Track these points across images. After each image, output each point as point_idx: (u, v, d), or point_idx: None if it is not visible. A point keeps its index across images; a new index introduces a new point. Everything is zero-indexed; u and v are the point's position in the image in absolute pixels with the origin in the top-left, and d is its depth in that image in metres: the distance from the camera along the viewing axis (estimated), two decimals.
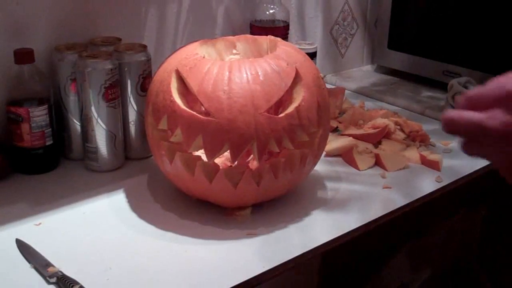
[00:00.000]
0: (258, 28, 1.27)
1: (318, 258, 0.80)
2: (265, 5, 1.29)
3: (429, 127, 1.19)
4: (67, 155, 1.04)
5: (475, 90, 0.52)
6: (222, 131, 0.78)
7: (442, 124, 0.52)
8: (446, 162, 1.05)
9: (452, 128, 0.52)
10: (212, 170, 0.82)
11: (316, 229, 0.84)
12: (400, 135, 1.12)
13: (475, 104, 0.51)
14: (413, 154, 1.06)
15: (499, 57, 1.30)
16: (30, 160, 0.97)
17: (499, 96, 0.50)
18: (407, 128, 1.14)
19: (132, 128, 1.02)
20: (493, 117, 0.50)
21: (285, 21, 1.30)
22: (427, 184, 0.98)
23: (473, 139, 0.52)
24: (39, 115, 0.95)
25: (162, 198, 0.92)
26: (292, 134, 0.81)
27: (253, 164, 0.84)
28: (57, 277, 0.71)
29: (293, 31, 1.41)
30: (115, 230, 0.83)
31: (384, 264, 0.95)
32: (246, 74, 0.80)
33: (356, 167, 1.02)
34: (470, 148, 0.53)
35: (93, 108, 0.96)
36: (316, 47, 1.31)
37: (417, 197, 0.94)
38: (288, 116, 0.81)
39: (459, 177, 1.01)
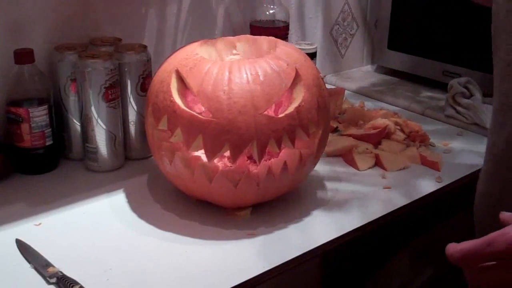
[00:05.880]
0: (258, 28, 1.27)
1: (318, 258, 0.80)
2: (265, 5, 1.29)
3: (429, 127, 1.19)
4: (67, 155, 1.03)
5: (468, 245, 0.53)
6: (222, 131, 0.78)
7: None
8: (446, 162, 1.05)
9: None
10: (212, 171, 0.82)
11: (316, 229, 0.84)
12: (400, 135, 1.12)
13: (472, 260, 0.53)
14: (413, 154, 1.06)
15: None
16: (30, 160, 0.97)
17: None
18: (407, 128, 1.14)
19: (132, 128, 1.02)
20: None
21: (285, 21, 1.30)
22: (427, 184, 0.98)
23: None
24: (39, 115, 0.95)
25: (162, 198, 0.92)
26: (292, 134, 0.81)
27: (253, 164, 0.84)
28: (57, 277, 0.71)
29: (293, 31, 1.41)
30: (115, 230, 0.83)
31: (384, 264, 0.95)
32: (246, 74, 0.80)
33: (356, 167, 1.02)
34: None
35: (93, 108, 0.96)
36: (316, 47, 1.31)
37: (417, 197, 0.94)
38: (288, 116, 0.81)
39: (459, 177, 1.01)
